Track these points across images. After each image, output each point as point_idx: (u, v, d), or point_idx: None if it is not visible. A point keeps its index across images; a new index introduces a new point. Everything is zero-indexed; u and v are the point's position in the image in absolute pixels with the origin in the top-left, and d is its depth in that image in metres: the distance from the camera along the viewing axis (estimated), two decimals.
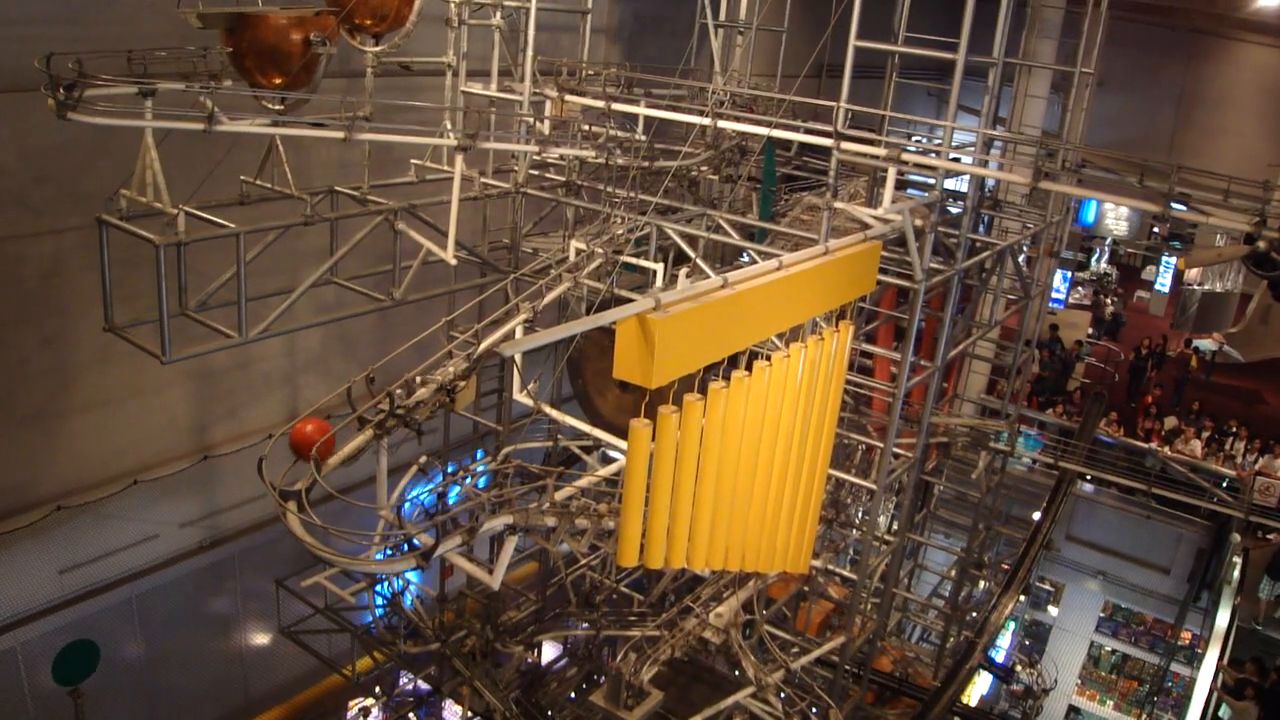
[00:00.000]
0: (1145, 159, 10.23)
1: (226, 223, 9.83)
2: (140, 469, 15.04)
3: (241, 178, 11.43)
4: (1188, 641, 22.39)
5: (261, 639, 17.75)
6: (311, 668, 17.33)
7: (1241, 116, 33.27)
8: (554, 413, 11.54)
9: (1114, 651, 23.77)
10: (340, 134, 10.37)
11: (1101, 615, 23.55)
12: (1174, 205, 9.97)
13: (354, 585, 13.44)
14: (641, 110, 13.34)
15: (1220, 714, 16.95)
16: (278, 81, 10.57)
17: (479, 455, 16.35)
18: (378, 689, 16.64)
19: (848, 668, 14.02)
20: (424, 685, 15.68)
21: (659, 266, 11.40)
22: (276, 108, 10.75)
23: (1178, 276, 33.54)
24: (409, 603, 14.73)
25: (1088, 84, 16.60)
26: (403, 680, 17.04)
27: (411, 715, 16.53)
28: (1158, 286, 35.12)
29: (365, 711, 16.89)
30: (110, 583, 15.04)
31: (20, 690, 14.32)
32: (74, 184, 12.69)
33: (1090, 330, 30.55)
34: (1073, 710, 23.99)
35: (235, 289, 9.92)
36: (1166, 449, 21.86)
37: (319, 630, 14.68)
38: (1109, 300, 34.02)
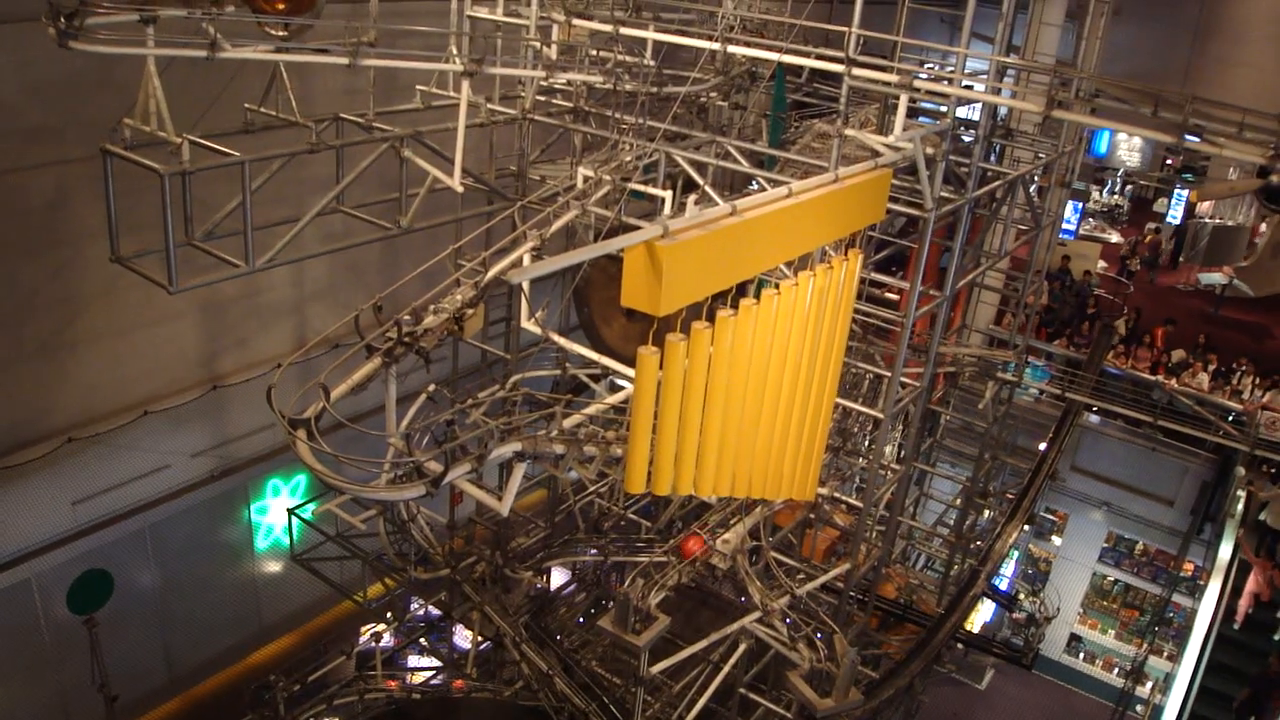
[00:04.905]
0: (1160, 89, 10.07)
1: (231, 151, 9.72)
2: (150, 399, 15.09)
3: (245, 105, 11.30)
4: (1190, 573, 22.61)
5: (274, 566, 18.01)
6: (324, 594, 17.59)
7: (1258, 49, 32.57)
8: (562, 340, 11.55)
9: (1115, 581, 24.03)
10: (344, 60, 10.25)
11: (1105, 545, 23.77)
12: (1188, 136, 9.85)
13: (365, 513, 13.57)
14: (650, 34, 13.14)
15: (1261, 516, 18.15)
16: (281, 7, 10.38)
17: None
18: (389, 614, 16.87)
19: (852, 594, 14.21)
20: (435, 610, 15.90)
21: (667, 194, 11.29)
22: (280, 34, 10.58)
23: (1189, 209, 33.18)
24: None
25: (1103, 12, 16.34)
26: (414, 605, 17.29)
27: (423, 639, 16.79)
28: (1169, 219, 34.77)
29: (377, 636, 17.16)
30: (123, 513, 15.16)
31: (36, 620, 14.55)
32: (77, 115, 12.55)
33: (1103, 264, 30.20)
34: (1074, 638, 24.35)
35: (241, 218, 9.83)
36: (1173, 381, 21.85)
37: (331, 557, 14.84)
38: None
